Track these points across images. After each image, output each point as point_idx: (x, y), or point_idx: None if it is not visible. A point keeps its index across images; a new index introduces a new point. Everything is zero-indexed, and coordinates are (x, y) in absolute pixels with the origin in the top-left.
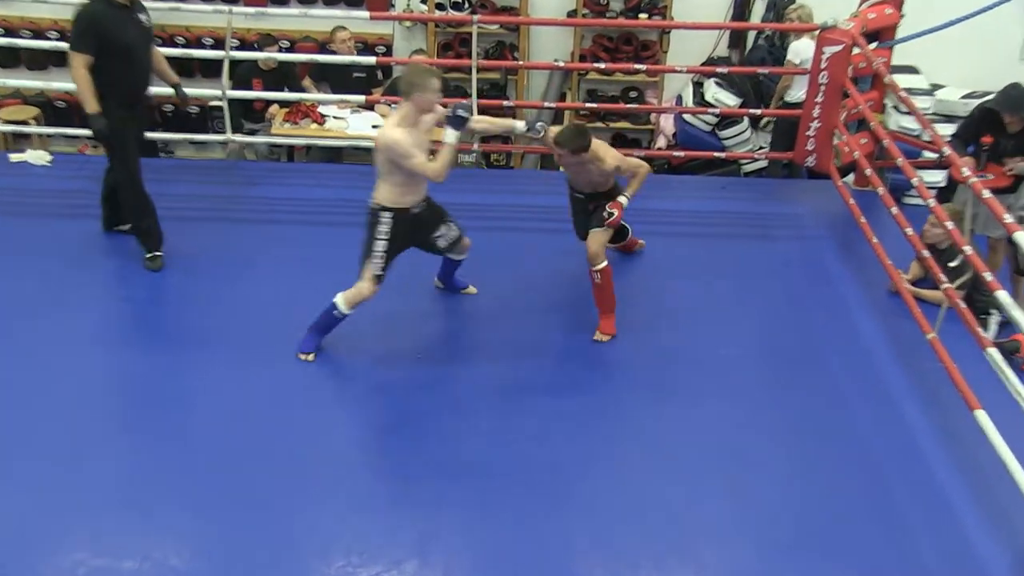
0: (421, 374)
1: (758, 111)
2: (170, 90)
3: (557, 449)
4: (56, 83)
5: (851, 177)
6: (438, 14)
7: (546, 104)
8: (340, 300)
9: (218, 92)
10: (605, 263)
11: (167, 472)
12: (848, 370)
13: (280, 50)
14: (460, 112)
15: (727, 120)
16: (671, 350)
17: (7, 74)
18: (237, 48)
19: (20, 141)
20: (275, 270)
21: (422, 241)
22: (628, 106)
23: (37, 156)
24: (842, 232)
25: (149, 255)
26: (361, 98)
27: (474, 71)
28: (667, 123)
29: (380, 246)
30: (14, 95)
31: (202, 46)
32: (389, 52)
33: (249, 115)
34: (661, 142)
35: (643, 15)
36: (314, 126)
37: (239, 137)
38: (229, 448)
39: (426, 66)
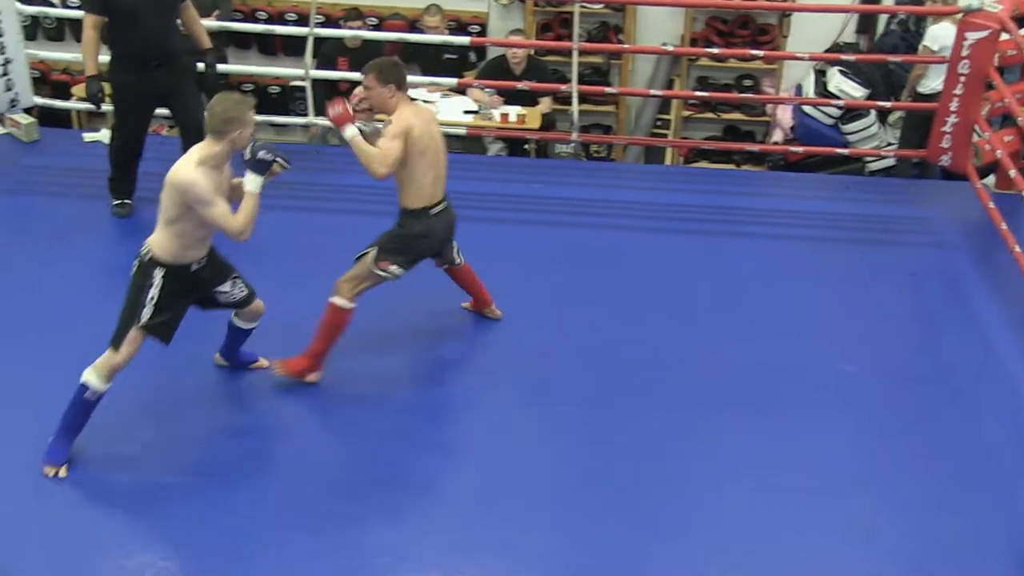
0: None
1: (887, 104)
2: (251, 69)
3: (647, 468)
4: None
5: (992, 178)
6: None
7: (652, 92)
8: (91, 376)
9: (300, 72)
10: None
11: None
12: (987, 398)
13: (367, 28)
14: (262, 155)
15: (852, 113)
16: (780, 361)
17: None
18: (321, 25)
19: (95, 119)
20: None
21: (201, 299)
22: (742, 96)
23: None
24: (980, 240)
25: (117, 202)
26: (452, 81)
27: (575, 55)
28: (785, 115)
29: (146, 312)
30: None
31: (285, 22)
32: (484, 32)
33: (333, 96)
34: (777, 136)
35: None
36: None
37: (321, 120)
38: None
39: (240, 96)
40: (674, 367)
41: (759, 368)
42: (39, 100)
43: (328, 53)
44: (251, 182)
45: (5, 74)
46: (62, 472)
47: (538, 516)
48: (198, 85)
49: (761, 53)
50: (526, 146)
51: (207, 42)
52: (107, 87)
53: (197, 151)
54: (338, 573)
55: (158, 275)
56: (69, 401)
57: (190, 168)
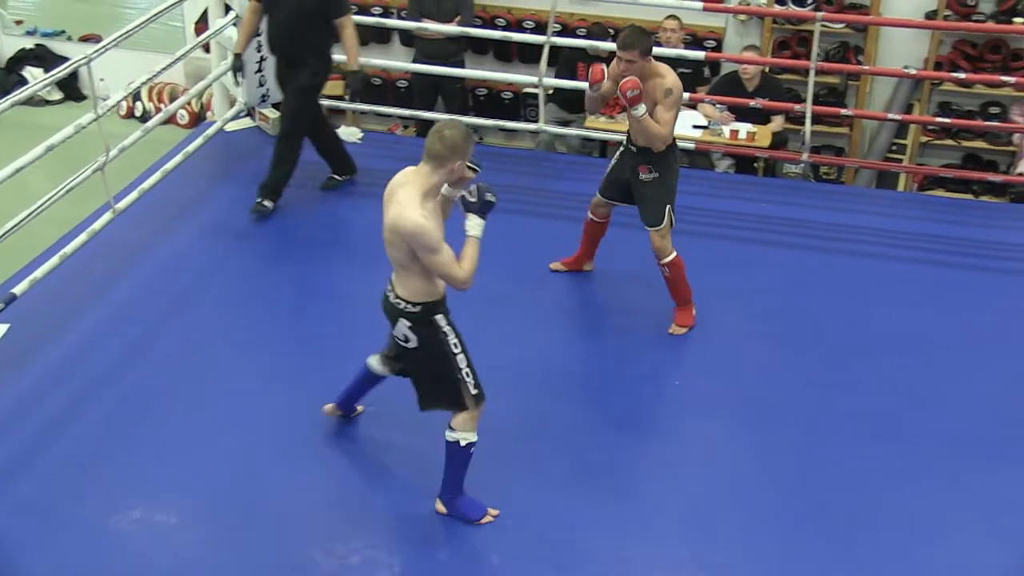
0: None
1: None
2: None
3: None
4: (374, 59)
5: None
6: (778, 8)
7: (890, 116)
8: (461, 435)
9: (534, 79)
10: (674, 254)
11: None
12: None
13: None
14: (488, 197)
15: None
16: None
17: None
18: (559, 33)
19: (335, 116)
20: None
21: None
22: (987, 124)
23: (349, 132)
24: None
25: (260, 199)
26: (684, 95)
27: (811, 74)
28: None
29: (461, 360)
30: (334, 70)
31: (522, 29)
32: (719, 47)
33: (565, 105)
34: (1023, 167)
35: (1018, 20)
36: None
37: (551, 128)
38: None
39: (468, 128)
40: (902, 403)
41: (997, 413)
42: None
43: (569, 60)
44: (476, 227)
45: (259, 71)
46: (492, 514)
47: (746, 540)
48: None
49: (1012, 79)
50: (755, 164)
51: (354, 63)
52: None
53: (415, 182)
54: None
55: (442, 320)
56: (450, 463)
57: (416, 211)
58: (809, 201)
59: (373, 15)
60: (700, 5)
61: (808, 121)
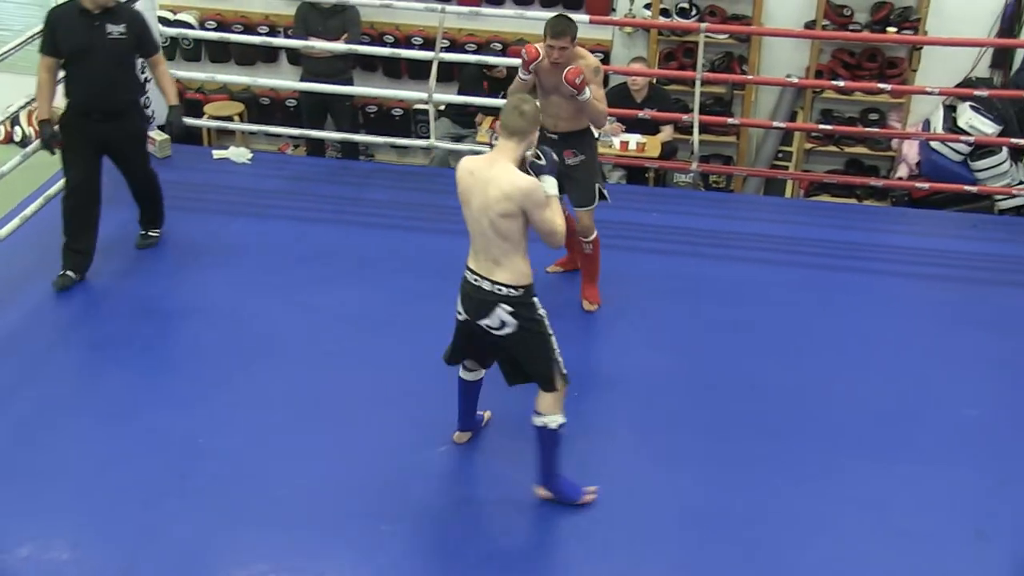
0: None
1: (1022, 140)
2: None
3: (761, 505)
4: (262, 79)
5: None
6: (662, 20)
7: (775, 124)
8: (550, 418)
9: (424, 95)
10: (596, 232)
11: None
12: None
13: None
14: (553, 156)
15: (982, 150)
16: (901, 402)
17: (216, 69)
18: (448, 49)
19: (224, 137)
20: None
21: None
22: (868, 130)
23: (239, 153)
24: None
25: (62, 273)
26: None
27: (698, 84)
28: (911, 150)
29: (554, 341)
30: (221, 90)
31: (411, 46)
32: (607, 59)
33: (459, 120)
34: (903, 171)
35: (892, 29)
36: None
37: (442, 143)
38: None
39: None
40: (790, 403)
41: (878, 408)
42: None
43: (471, 78)
44: (553, 186)
45: (144, 92)
46: (591, 493)
47: (644, 549)
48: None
49: (888, 87)
50: (646, 174)
51: (173, 98)
52: None
53: (504, 157)
54: None
55: (538, 302)
56: (543, 448)
57: (522, 175)
58: (700, 209)
59: (259, 34)
60: (586, 18)
61: (696, 131)
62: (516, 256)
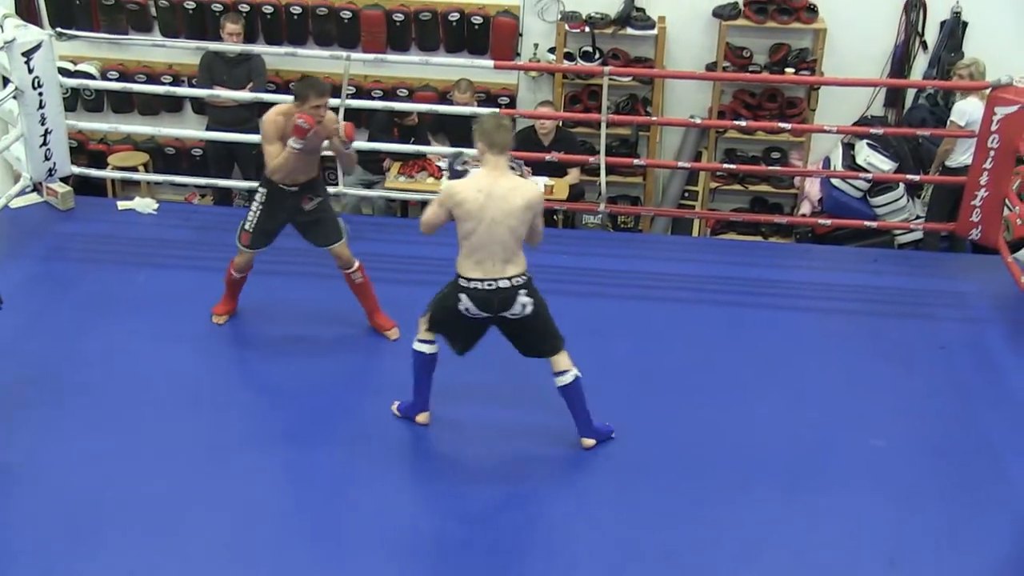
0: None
1: (916, 177)
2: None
3: (675, 537)
4: (167, 129)
5: (1023, 252)
6: (566, 64)
7: (680, 164)
8: (574, 371)
9: None
10: (357, 262)
11: None
12: None
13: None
14: (460, 166)
15: (880, 186)
16: (810, 435)
17: (120, 119)
18: (353, 96)
19: (129, 188)
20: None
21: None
22: (770, 168)
23: (144, 204)
24: (1012, 315)
25: None
26: None
27: (603, 126)
28: (813, 187)
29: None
30: (125, 141)
31: None
32: (513, 104)
33: (369, 166)
34: (805, 208)
35: (790, 70)
36: (431, 180)
37: (351, 190)
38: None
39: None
40: (701, 439)
41: (788, 441)
42: (76, 169)
43: (381, 124)
44: None
45: (45, 144)
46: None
47: None
48: None
49: (789, 126)
50: (554, 216)
51: None
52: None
53: (503, 171)
54: None
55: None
56: (577, 400)
57: (534, 185)
58: (608, 250)
59: (163, 83)
60: (491, 64)
61: (603, 172)
62: (520, 249)
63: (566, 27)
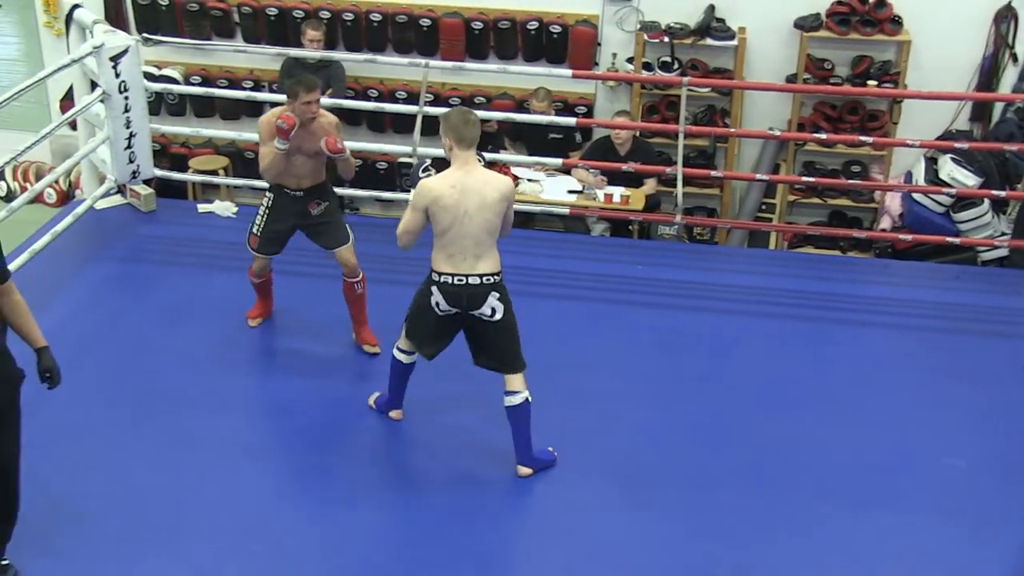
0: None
1: (1002, 192)
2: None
3: (745, 553)
4: (247, 133)
5: None
6: (645, 74)
7: (758, 176)
8: (526, 393)
9: (408, 148)
10: (362, 273)
11: None
12: None
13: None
14: (422, 173)
15: (964, 201)
16: (882, 453)
17: (202, 123)
18: (432, 103)
19: (209, 191)
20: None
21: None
22: (850, 182)
23: (224, 207)
24: None
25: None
26: (558, 161)
27: (680, 137)
28: (893, 202)
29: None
30: (206, 144)
31: (395, 100)
32: (590, 113)
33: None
34: (885, 223)
35: (872, 82)
36: None
37: None
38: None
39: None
40: (774, 454)
41: (861, 459)
42: (158, 172)
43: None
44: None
45: (129, 147)
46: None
47: None
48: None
49: (870, 139)
50: (629, 227)
51: (39, 338)
52: None
53: (474, 164)
54: None
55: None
56: (521, 424)
57: (502, 176)
58: (683, 262)
59: (244, 88)
60: (569, 73)
61: (680, 183)
62: (494, 246)
63: (645, 37)
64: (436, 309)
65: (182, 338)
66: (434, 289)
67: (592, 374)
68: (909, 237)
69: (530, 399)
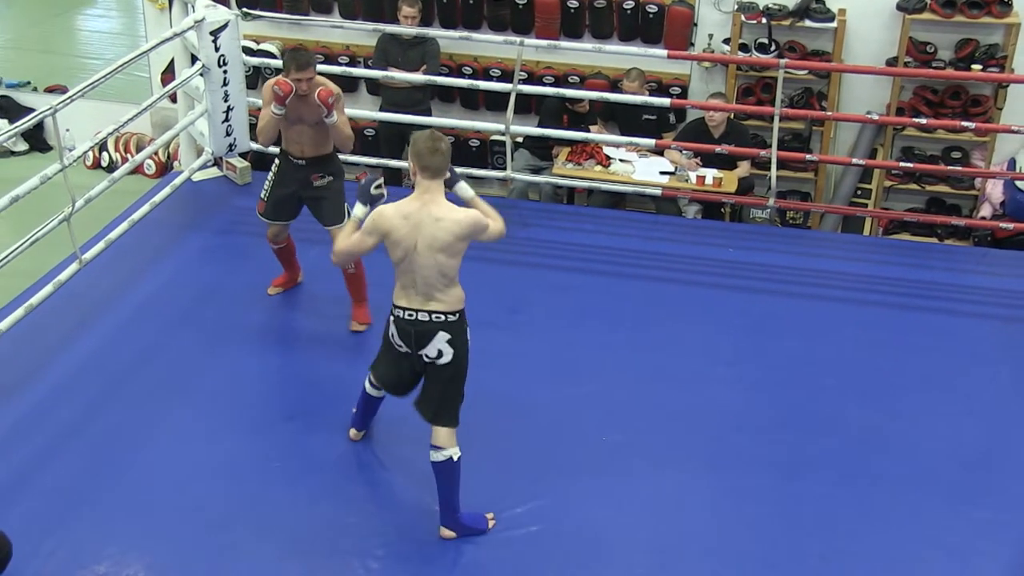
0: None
1: None
2: (452, 123)
3: (834, 542)
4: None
5: None
6: (741, 56)
7: (854, 161)
8: (452, 451)
9: (501, 127)
10: None
11: None
12: None
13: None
14: (374, 190)
15: None
16: (978, 447)
17: None
18: (525, 81)
19: None
20: (544, 319)
21: None
22: (950, 168)
23: None
24: None
25: None
26: (651, 142)
27: (776, 120)
28: (995, 190)
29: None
30: None
31: (489, 77)
32: (684, 94)
33: (537, 152)
34: (986, 211)
35: (977, 66)
36: (598, 168)
37: (520, 175)
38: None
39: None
40: (867, 444)
41: (956, 453)
42: (255, 145)
43: (552, 110)
44: (360, 208)
45: (227, 120)
46: (490, 519)
47: None
48: None
49: (972, 125)
50: (722, 209)
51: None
52: None
53: (437, 195)
54: None
55: (467, 329)
56: (447, 483)
57: (461, 209)
58: (776, 246)
59: (340, 64)
60: (664, 53)
61: (774, 166)
62: (454, 282)
63: (742, 18)
64: (392, 341)
65: (269, 309)
66: (391, 320)
67: (681, 357)
68: (1011, 226)
69: (455, 458)
